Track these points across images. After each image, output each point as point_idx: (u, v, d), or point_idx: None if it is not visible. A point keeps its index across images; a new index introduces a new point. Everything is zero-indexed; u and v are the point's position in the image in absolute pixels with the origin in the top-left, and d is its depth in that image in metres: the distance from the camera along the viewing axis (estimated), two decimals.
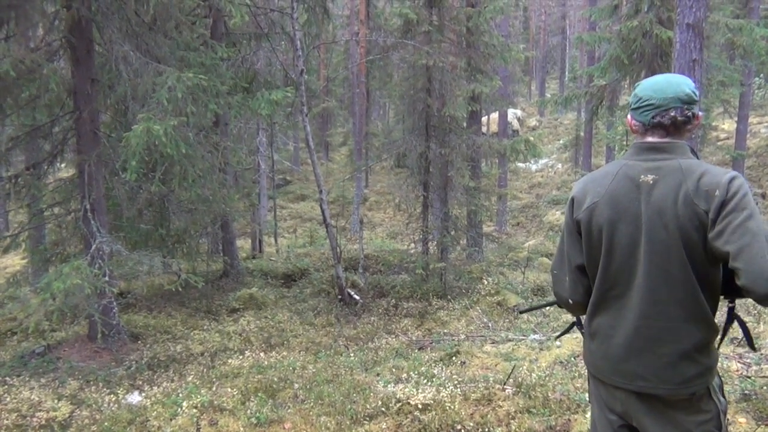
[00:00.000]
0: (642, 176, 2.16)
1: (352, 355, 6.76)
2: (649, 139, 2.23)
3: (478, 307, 8.93)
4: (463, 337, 7.38)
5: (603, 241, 2.23)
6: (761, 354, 5.56)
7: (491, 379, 4.99)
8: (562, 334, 3.01)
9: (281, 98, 7.21)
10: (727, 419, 2.33)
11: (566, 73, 39.65)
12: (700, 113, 2.28)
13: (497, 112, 23.10)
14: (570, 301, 2.41)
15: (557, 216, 22.39)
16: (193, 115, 6.13)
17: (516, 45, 13.64)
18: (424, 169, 10.21)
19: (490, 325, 8.14)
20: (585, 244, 2.32)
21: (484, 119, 27.58)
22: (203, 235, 12.23)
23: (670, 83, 2.21)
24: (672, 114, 2.17)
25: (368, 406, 4.64)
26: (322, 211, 9.69)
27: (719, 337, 2.25)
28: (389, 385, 4.96)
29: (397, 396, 4.59)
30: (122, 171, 7.03)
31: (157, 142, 5.61)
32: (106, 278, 6.66)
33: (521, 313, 3.82)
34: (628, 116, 2.32)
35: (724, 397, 2.30)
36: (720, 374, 2.33)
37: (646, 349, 2.17)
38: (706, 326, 2.11)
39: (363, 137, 25.29)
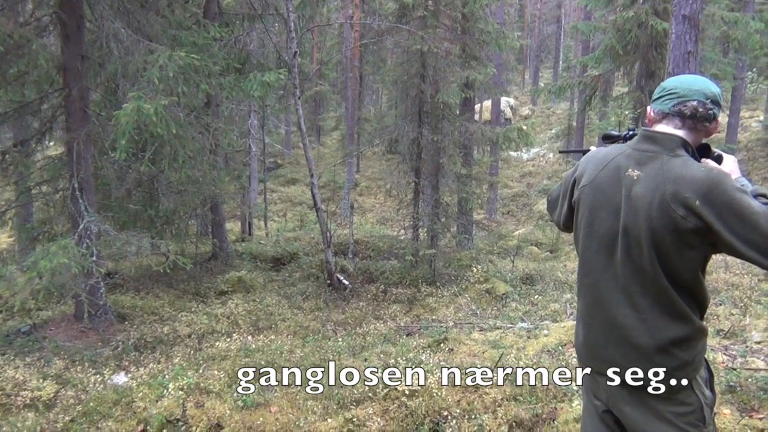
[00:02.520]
0: (629, 170, 2.16)
1: (340, 340, 6.75)
2: (660, 128, 2.21)
3: (466, 295, 8.95)
4: (451, 324, 7.39)
5: (583, 227, 2.27)
6: (746, 346, 5.60)
7: (479, 365, 4.99)
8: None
9: (274, 80, 7.13)
10: (714, 412, 2.32)
11: (560, 62, 39.59)
12: (719, 120, 2.26)
13: (490, 100, 23.09)
14: (561, 227, 2.51)
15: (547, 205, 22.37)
16: (185, 95, 6.07)
17: (511, 32, 13.53)
18: (416, 155, 10.18)
19: (478, 312, 8.15)
20: (574, 220, 2.37)
21: (476, 107, 27.54)
22: (192, 216, 12.16)
23: (698, 80, 2.22)
24: (693, 104, 2.15)
25: (355, 391, 4.63)
26: (313, 196, 9.65)
27: None
28: (377, 370, 4.96)
29: (385, 381, 4.58)
30: (111, 150, 6.95)
31: (147, 122, 5.55)
32: (94, 258, 6.61)
33: (561, 152, 3.80)
34: (648, 109, 2.32)
35: (712, 391, 2.30)
36: (710, 367, 2.32)
37: (623, 340, 2.19)
38: (683, 321, 2.11)
39: (355, 122, 25.20)
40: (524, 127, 10.91)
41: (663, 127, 2.21)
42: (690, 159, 2.11)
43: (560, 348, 5.69)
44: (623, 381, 2.22)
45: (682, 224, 1.99)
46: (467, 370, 4.81)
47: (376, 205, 25.61)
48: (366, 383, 4.70)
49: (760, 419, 4.09)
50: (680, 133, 2.17)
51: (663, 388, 2.15)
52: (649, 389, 2.17)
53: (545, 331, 6.37)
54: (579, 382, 4.74)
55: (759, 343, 5.80)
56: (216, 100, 11.05)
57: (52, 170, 8.53)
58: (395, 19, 10.84)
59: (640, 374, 2.15)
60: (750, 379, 4.45)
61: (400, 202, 10.87)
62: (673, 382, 2.13)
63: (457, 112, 11.18)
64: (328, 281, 9.90)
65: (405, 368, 4.88)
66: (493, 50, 12.64)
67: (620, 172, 2.18)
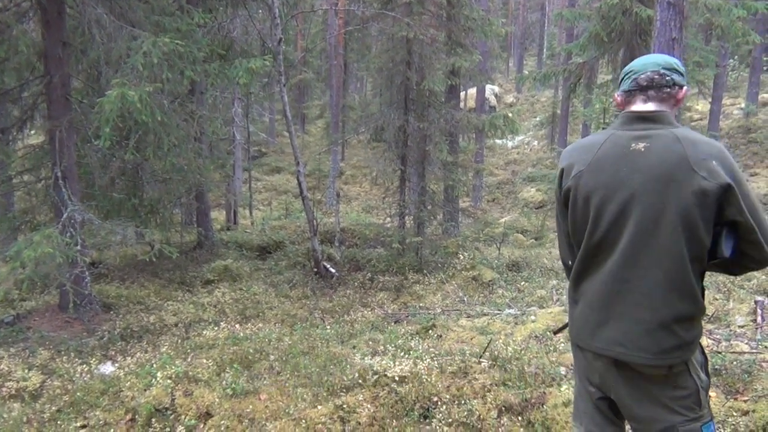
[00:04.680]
0: (633, 144, 2.17)
1: (328, 327, 6.75)
2: (635, 108, 2.24)
3: (453, 282, 8.97)
4: (438, 311, 7.41)
5: (590, 208, 2.24)
6: (730, 330, 5.67)
7: (467, 352, 5.01)
8: (560, 329, 3.03)
9: (259, 66, 7.06)
10: (710, 397, 2.34)
11: (544, 50, 39.65)
12: (686, 87, 2.29)
13: (475, 88, 23.04)
14: (570, 263, 2.46)
15: (532, 193, 22.55)
16: (169, 82, 5.98)
17: (496, 19, 13.49)
18: (402, 142, 10.15)
19: (465, 299, 8.18)
20: (570, 213, 2.35)
21: (461, 95, 27.50)
22: (177, 205, 12.07)
23: (653, 56, 2.29)
24: (649, 74, 2.20)
25: (345, 378, 4.64)
26: (299, 183, 9.61)
27: None
28: (366, 358, 4.96)
29: (374, 368, 4.59)
30: (95, 138, 6.87)
31: (131, 109, 5.47)
32: (78, 247, 6.53)
33: (555, 333, 3.93)
34: (615, 95, 2.35)
35: (707, 375, 2.31)
36: (705, 351, 2.33)
37: (625, 315, 2.18)
38: (690, 299, 2.12)
39: (340, 110, 25.09)
40: (510, 114, 10.92)
41: (636, 107, 2.24)
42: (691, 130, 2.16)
43: (548, 334, 5.73)
44: (620, 363, 2.22)
45: (704, 186, 2.01)
46: (456, 357, 4.84)
47: (362, 193, 25.58)
48: (355, 371, 4.70)
49: (745, 401, 4.15)
50: (655, 108, 2.21)
51: (663, 369, 2.15)
52: (646, 371, 2.18)
53: (532, 317, 6.41)
54: (570, 366, 4.79)
55: (742, 327, 5.87)
56: (200, 88, 10.94)
57: (34, 159, 8.40)
58: (381, 6, 10.77)
59: (639, 353, 2.15)
60: (734, 363, 4.51)
61: (386, 190, 10.86)
62: (672, 361, 2.13)
63: (443, 99, 11.16)
64: (315, 269, 9.87)
65: (394, 355, 4.89)
66: (478, 37, 12.60)
67: (622, 148, 2.18)
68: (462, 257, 9.69)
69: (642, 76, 2.21)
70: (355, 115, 28.02)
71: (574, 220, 2.34)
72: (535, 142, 29.90)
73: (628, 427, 2.45)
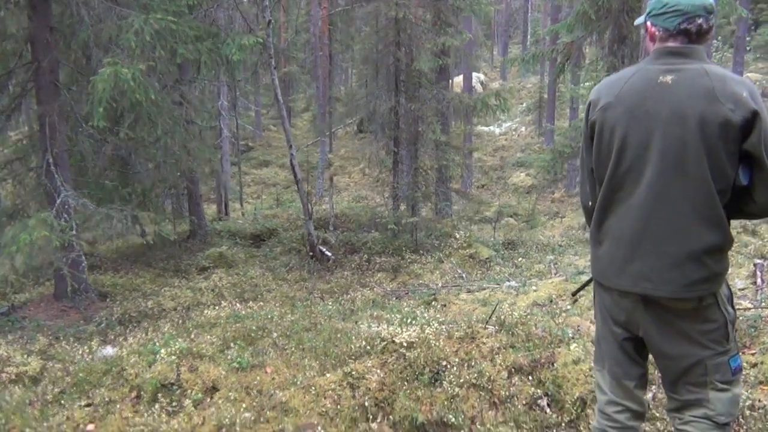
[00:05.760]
0: (660, 77, 2.15)
1: (329, 305, 6.72)
2: (671, 44, 2.21)
3: (451, 260, 8.97)
4: (439, 285, 7.40)
5: (614, 141, 2.22)
6: (732, 291, 5.70)
7: (473, 319, 5.00)
8: (579, 290, 2.99)
9: (253, 44, 7.00)
10: (736, 330, 2.34)
11: (528, 36, 39.69)
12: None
13: (461, 75, 23.03)
14: (590, 204, 2.43)
15: (521, 177, 22.61)
16: (161, 61, 5.90)
17: None
18: (394, 124, 10.12)
19: (464, 276, 8.18)
20: (595, 146, 2.32)
21: (449, 82, 27.47)
22: (168, 195, 11.98)
23: None
24: (699, 22, 2.16)
25: (352, 347, 4.61)
26: (293, 167, 9.55)
27: None
28: (372, 326, 4.94)
29: (381, 335, 4.56)
30: (86, 122, 6.77)
31: (125, 87, 5.39)
32: (74, 232, 6.45)
33: (574, 294, 3.87)
34: (647, 23, 2.28)
35: (733, 308, 2.31)
36: (729, 286, 2.33)
37: (653, 249, 2.16)
38: (718, 229, 2.10)
39: (327, 101, 24.99)
40: (502, 92, 10.92)
41: (673, 44, 2.21)
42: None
43: (550, 302, 5.74)
44: (648, 300, 2.20)
45: (731, 117, 2.00)
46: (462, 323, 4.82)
47: (351, 183, 25.53)
48: (362, 339, 4.68)
49: (753, 354, 4.19)
50: (691, 45, 2.19)
51: (691, 303, 2.14)
52: (675, 305, 2.17)
53: (534, 288, 6.41)
54: (578, 327, 4.80)
55: (742, 289, 5.91)
56: (189, 77, 10.82)
57: (22, 149, 8.28)
58: None
59: (668, 287, 2.13)
60: (740, 318, 4.53)
61: (379, 173, 10.82)
62: (700, 293, 2.12)
63: (433, 80, 11.11)
64: (311, 253, 9.83)
65: (400, 323, 4.87)
66: (467, 15, 12.54)
67: (649, 82, 2.16)
68: (458, 236, 9.69)
69: (691, 24, 2.16)
70: (342, 107, 27.93)
71: (598, 153, 2.32)
72: (523, 128, 29.96)
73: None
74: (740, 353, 2.32)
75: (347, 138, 31.06)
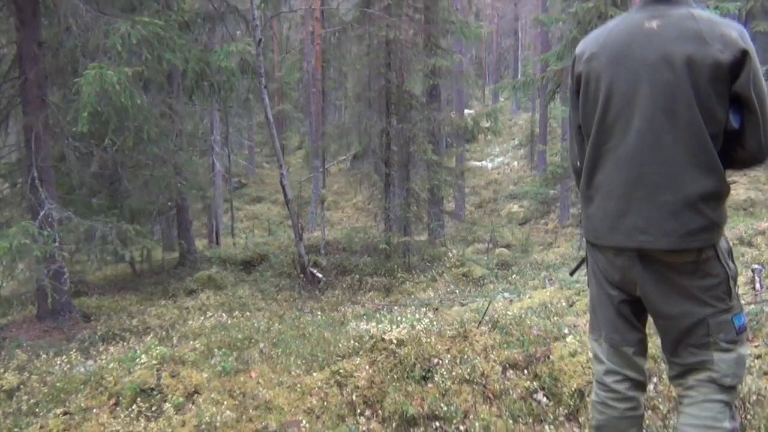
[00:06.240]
0: (646, 23, 2.08)
1: (319, 315, 6.54)
2: None
3: (444, 277, 8.82)
4: (432, 296, 7.24)
5: (600, 89, 2.14)
6: None
7: (465, 319, 4.84)
8: (577, 267, 2.88)
9: (241, 50, 6.97)
10: (737, 287, 2.21)
11: (519, 74, 40.23)
12: None
13: (453, 113, 23.23)
14: (578, 164, 2.34)
15: (515, 209, 22.60)
16: (148, 67, 5.84)
17: (474, 23, 13.58)
18: (386, 145, 10.08)
19: (457, 291, 8.02)
20: (581, 98, 2.24)
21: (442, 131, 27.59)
22: (158, 221, 11.83)
23: None
24: None
25: (340, 346, 4.44)
26: (283, 187, 9.45)
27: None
28: (361, 324, 4.78)
29: (371, 333, 4.40)
30: (71, 137, 6.67)
31: (110, 90, 5.31)
32: (56, 243, 6.29)
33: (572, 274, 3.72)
34: None
35: (733, 263, 2.18)
36: (728, 241, 2.21)
37: (647, 199, 2.05)
38: (714, 175, 2.00)
39: (320, 137, 25.05)
40: (493, 112, 10.91)
41: None
42: None
43: (545, 307, 5.58)
44: (645, 256, 2.08)
45: (719, 58, 1.93)
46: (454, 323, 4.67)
47: (344, 218, 25.46)
48: (350, 338, 4.51)
49: (756, 346, 4.05)
50: None
51: (690, 255, 2.03)
52: (673, 259, 2.05)
53: (528, 297, 6.27)
54: (573, 325, 4.64)
55: (742, 294, 5.78)
56: (177, 90, 10.61)
57: (8, 167, 8.18)
58: (360, 11, 10.77)
59: (665, 238, 2.01)
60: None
61: (371, 196, 10.74)
62: (699, 244, 2.01)
63: (424, 101, 11.14)
64: (302, 275, 9.66)
65: (390, 322, 4.71)
66: (457, 38, 12.65)
67: (635, 28, 2.10)
68: (450, 255, 9.55)
69: None
70: (335, 145, 28.04)
71: (585, 104, 2.23)
72: (515, 163, 30.15)
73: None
74: (743, 312, 2.18)
75: (340, 174, 31.13)
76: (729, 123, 2.02)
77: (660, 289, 2.12)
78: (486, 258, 10.04)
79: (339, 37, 13.64)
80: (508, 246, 16.86)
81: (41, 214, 6.65)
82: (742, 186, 19.63)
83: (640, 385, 2.32)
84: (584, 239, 2.39)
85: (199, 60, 7.13)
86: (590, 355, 2.76)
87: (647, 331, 2.34)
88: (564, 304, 5.23)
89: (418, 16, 11.37)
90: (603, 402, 2.33)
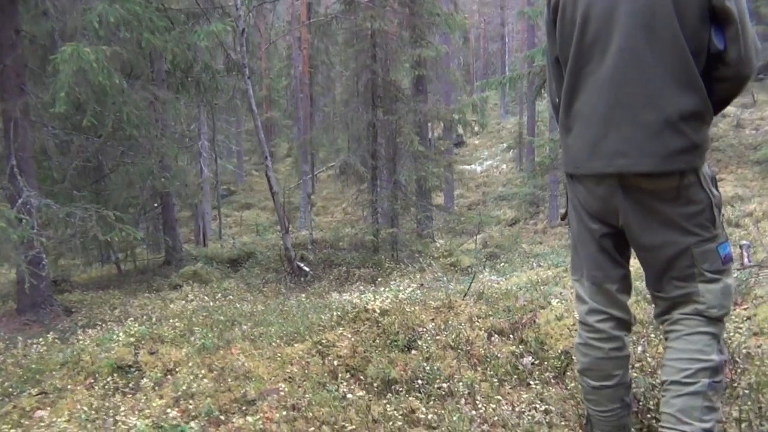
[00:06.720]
0: None
1: (303, 299, 6.43)
2: None
3: (433, 266, 8.74)
4: (418, 279, 7.15)
5: (577, 12, 2.06)
6: None
7: (451, 291, 4.76)
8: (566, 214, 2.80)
9: (221, 30, 6.88)
10: (723, 214, 2.13)
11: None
12: None
13: (441, 124, 23.22)
14: (557, 100, 2.26)
15: (504, 210, 22.56)
16: (128, 49, 5.74)
17: (459, 15, 13.56)
18: (372, 137, 10.01)
19: (445, 279, 7.93)
20: (559, 24, 2.17)
21: (428, 125, 27.59)
22: (143, 220, 11.70)
23: None
24: None
25: (323, 317, 4.33)
26: (268, 179, 9.35)
27: None
28: (344, 295, 4.68)
29: (353, 303, 4.30)
30: (50, 126, 6.55)
31: (87, 68, 5.20)
32: (35, 230, 6.15)
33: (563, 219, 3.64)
34: None
35: (717, 189, 2.12)
36: (712, 168, 2.13)
37: (627, 120, 1.97)
38: (696, 93, 1.93)
39: (308, 142, 24.99)
40: (478, 102, 10.88)
41: None
42: None
43: (531, 283, 5.50)
44: (626, 183, 2.01)
45: None
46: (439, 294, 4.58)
47: (333, 222, 25.36)
48: (333, 311, 4.41)
49: (745, 309, 4.00)
50: None
51: (672, 179, 1.95)
52: (655, 185, 1.98)
53: (515, 276, 6.19)
54: (559, 294, 4.56)
55: None
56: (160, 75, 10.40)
57: None
58: (345, 5, 10.73)
59: (646, 159, 1.94)
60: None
61: (358, 190, 10.66)
62: (681, 165, 1.93)
63: (410, 93, 11.08)
64: (289, 269, 9.54)
65: (374, 293, 4.62)
66: (442, 30, 12.59)
67: None
68: (439, 245, 9.47)
69: None
70: (324, 152, 28.00)
71: (562, 29, 2.16)
72: (504, 166, 30.18)
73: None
74: (728, 241, 2.11)
75: (329, 181, 31.04)
76: (713, 44, 1.95)
77: (642, 218, 2.04)
78: (474, 247, 9.96)
79: (324, 31, 13.49)
80: (497, 247, 16.86)
81: (19, 201, 6.51)
82: (729, 183, 19.73)
83: (625, 324, 2.25)
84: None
85: (179, 42, 7.03)
86: (573, 296, 2.67)
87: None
88: (552, 279, 5.13)
89: (404, 8, 11.36)
90: (586, 343, 2.26)
